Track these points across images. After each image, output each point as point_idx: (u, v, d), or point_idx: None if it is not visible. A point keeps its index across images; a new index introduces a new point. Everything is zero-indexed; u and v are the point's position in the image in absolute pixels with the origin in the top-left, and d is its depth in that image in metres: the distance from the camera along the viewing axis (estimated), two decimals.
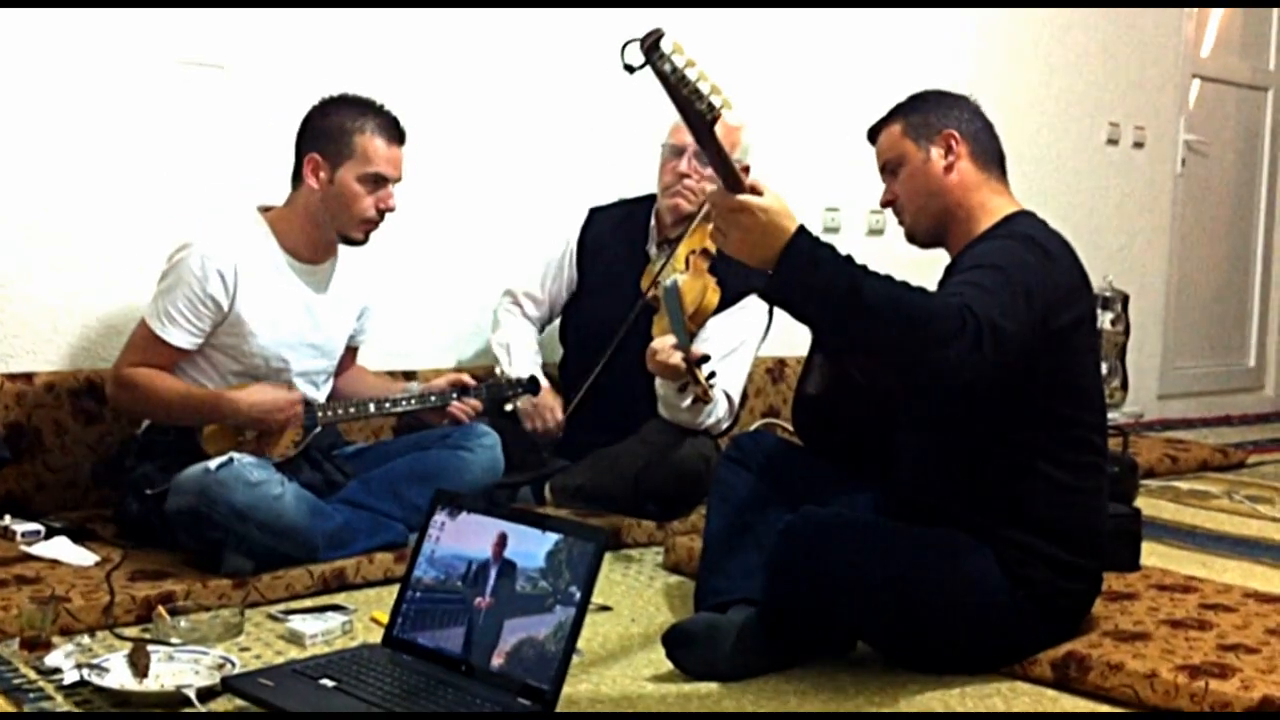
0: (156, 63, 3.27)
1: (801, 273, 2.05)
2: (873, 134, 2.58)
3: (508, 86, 3.89)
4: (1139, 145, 5.80)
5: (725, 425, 3.49)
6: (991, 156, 2.52)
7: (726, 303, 3.39)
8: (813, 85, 4.55)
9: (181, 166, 3.31)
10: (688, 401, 3.20)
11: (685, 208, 3.48)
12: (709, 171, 3.35)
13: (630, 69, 1.92)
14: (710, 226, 3.24)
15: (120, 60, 3.22)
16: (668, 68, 1.91)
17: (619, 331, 3.41)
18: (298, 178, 2.98)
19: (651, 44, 1.89)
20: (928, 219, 2.51)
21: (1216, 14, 6.15)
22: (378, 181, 2.95)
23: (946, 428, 2.42)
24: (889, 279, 2.10)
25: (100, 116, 3.21)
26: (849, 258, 2.09)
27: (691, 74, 1.92)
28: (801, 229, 2.06)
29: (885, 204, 2.57)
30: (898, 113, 2.55)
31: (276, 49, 3.40)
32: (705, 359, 3.01)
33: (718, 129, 2.01)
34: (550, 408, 3.50)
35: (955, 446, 2.41)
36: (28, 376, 3.13)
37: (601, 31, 3.98)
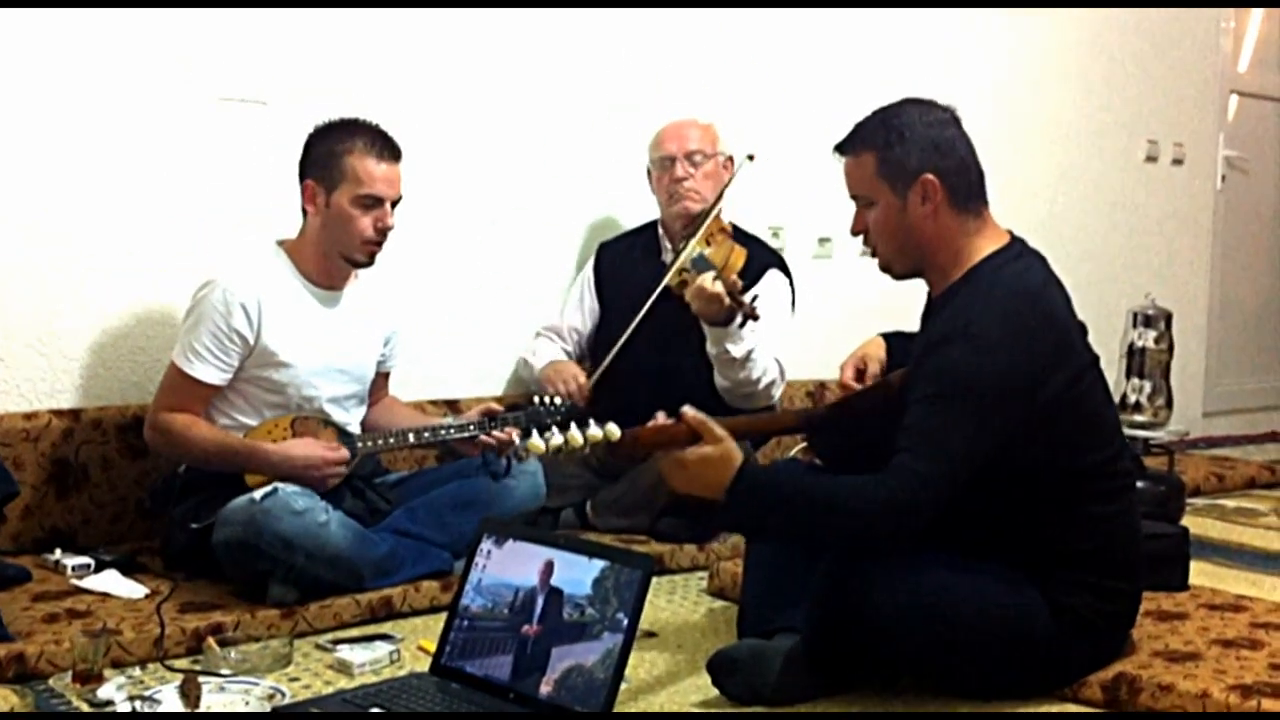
0: (200, 99, 3.30)
1: (746, 511, 2.30)
2: (841, 150, 2.44)
3: (541, 123, 3.92)
4: (1178, 162, 5.77)
5: (778, 391, 3.57)
6: (970, 189, 2.39)
7: (752, 265, 3.54)
8: (844, 104, 4.55)
9: (227, 202, 3.34)
10: (736, 325, 3.33)
11: (694, 208, 3.62)
12: (706, 169, 3.65)
13: (496, 476, 2.58)
14: (720, 216, 3.55)
15: (165, 97, 3.26)
16: (544, 451, 2.28)
17: (640, 309, 3.51)
18: (303, 207, 3.01)
19: (516, 455, 2.31)
20: (902, 261, 2.45)
21: (1253, 28, 6.11)
22: (373, 202, 2.95)
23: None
24: (831, 485, 2.28)
25: (147, 153, 3.24)
26: (792, 478, 2.34)
27: (566, 445, 2.29)
28: (741, 470, 2.24)
29: (856, 233, 2.48)
30: (872, 141, 2.39)
31: (318, 85, 3.43)
32: (746, 287, 3.24)
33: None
34: (572, 372, 3.56)
35: (978, 496, 2.33)
36: (75, 413, 3.17)
37: (627, 69, 4.06)
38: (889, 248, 2.44)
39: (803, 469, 2.65)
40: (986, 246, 2.39)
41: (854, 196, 2.45)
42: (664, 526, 3.36)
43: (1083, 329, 2.43)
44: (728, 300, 3.25)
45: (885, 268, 2.48)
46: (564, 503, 3.42)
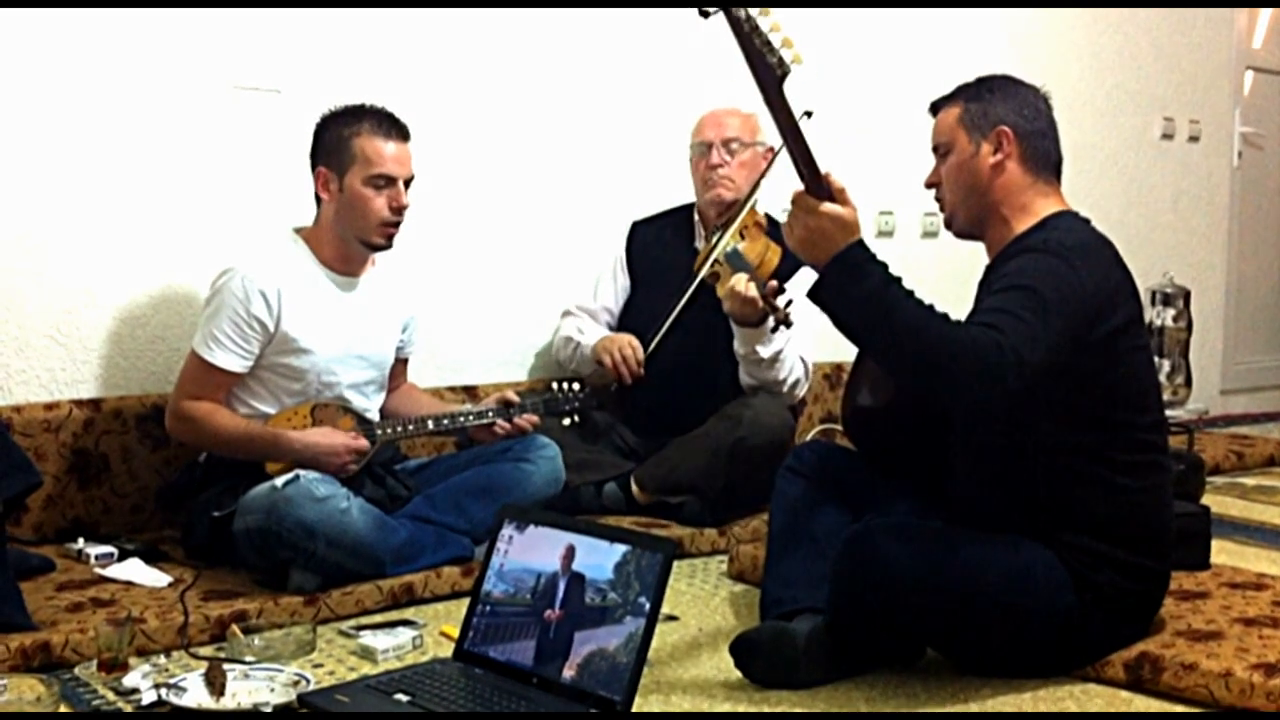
0: (214, 87, 3.31)
1: (844, 282, 2.20)
2: (934, 108, 2.56)
3: (561, 108, 3.92)
4: (1194, 139, 5.75)
5: (803, 389, 3.59)
6: (1045, 159, 2.49)
7: (786, 264, 3.45)
8: (863, 85, 4.55)
9: (244, 191, 3.35)
10: (768, 328, 3.29)
11: (726, 196, 3.62)
12: (743, 158, 3.62)
13: (705, 13, 2.09)
14: (755, 207, 3.44)
15: (180, 86, 3.27)
16: (741, 15, 2.05)
17: (676, 303, 3.53)
18: (317, 195, 3.01)
19: None
20: (966, 212, 2.50)
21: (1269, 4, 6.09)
22: (385, 181, 2.95)
23: (1000, 436, 2.40)
24: (929, 309, 2.18)
25: (163, 142, 3.25)
26: (899, 282, 2.19)
27: (764, 23, 2.08)
28: (859, 243, 2.19)
29: (929, 185, 2.55)
30: (961, 95, 2.52)
31: (333, 73, 3.43)
32: (781, 290, 3.12)
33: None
34: (627, 340, 3.57)
35: (1009, 454, 2.39)
36: (95, 403, 3.18)
37: (652, 58, 4.06)
38: (956, 194, 2.50)
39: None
40: (1052, 208, 2.46)
41: (934, 148, 2.53)
42: (686, 513, 3.36)
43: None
44: (761, 304, 3.20)
45: (949, 220, 2.54)
46: (581, 480, 3.40)
